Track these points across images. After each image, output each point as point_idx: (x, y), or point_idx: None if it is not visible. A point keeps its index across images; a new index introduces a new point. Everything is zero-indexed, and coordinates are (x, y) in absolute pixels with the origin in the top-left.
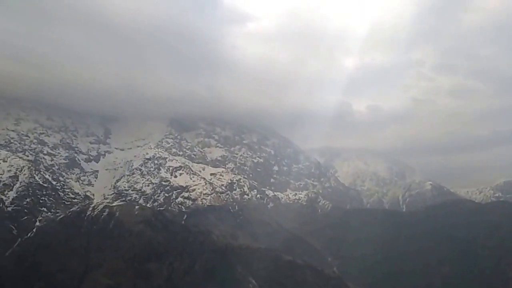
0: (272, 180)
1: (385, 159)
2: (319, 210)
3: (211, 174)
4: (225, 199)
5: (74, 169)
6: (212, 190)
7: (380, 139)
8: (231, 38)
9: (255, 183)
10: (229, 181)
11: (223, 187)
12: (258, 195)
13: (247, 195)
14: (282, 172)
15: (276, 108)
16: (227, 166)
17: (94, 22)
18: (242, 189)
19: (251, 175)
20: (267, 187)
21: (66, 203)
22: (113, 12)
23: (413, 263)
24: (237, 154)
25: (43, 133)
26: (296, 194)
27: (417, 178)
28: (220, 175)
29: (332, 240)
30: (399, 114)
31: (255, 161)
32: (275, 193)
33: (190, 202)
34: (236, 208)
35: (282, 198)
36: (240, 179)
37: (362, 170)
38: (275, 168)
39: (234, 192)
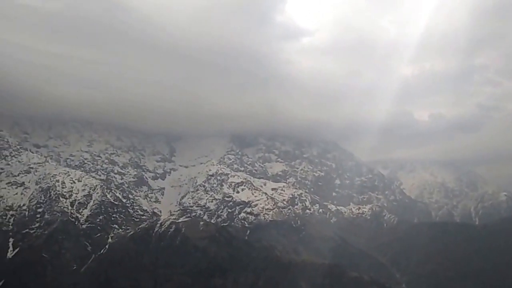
0: (334, 194)
1: (453, 170)
2: (385, 224)
3: (273, 189)
4: (287, 214)
5: (142, 187)
6: (274, 205)
7: (446, 149)
8: (286, 53)
9: (317, 197)
10: (291, 196)
11: (285, 202)
12: (320, 210)
13: (309, 209)
14: (345, 186)
15: (335, 120)
16: (288, 180)
17: (155, 47)
18: (303, 204)
19: (312, 189)
20: (329, 201)
21: (135, 220)
22: (171, 35)
23: (488, 280)
24: (297, 168)
25: (113, 153)
26: (359, 208)
27: (490, 188)
28: (282, 190)
29: (399, 256)
30: (464, 122)
31: (316, 175)
32: (337, 207)
33: (253, 217)
34: (298, 223)
35: (345, 212)
36: (301, 193)
37: (429, 182)
38: (337, 181)
39: (296, 206)
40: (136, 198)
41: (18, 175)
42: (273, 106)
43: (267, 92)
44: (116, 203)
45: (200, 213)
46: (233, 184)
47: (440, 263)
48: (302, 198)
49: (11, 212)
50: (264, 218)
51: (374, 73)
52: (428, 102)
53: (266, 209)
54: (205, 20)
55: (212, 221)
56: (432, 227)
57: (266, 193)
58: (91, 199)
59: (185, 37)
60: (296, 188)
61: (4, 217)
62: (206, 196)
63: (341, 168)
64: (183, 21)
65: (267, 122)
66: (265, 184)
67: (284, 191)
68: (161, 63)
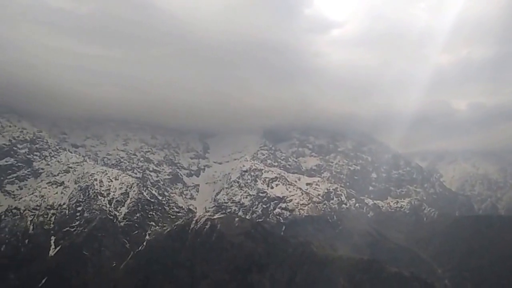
0: (370, 188)
1: (496, 160)
2: (425, 218)
3: (307, 184)
4: (323, 209)
5: (177, 184)
6: (309, 200)
7: (487, 139)
8: (315, 46)
9: (353, 191)
10: (326, 191)
11: (320, 197)
12: (357, 204)
13: (345, 204)
14: (381, 179)
15: (368, 112)
16: (322, 175)
17: (185, 45)
18: (339, 198)
19: (348, 184)
20: (366, 195)
21: (171, 217)
22: (201, 33)
23: None
24: (332, 162)
25: (148, 151)
26: (397, 201)
27: None
28: (316, 184)
29: (441, 250)
30: (505, 111)
31: (352, 168)
32: (374, 201)
33: (288, 213)
34: (335, 218)
35: (382, 206)
36: (337, 188)
37: (470, 174)
38: (373, 175)
39: (331, 201)
40: (172, 195)
41: (58, 174)
42: (304, 99)
43: (298, 86)
44: (152, 200)
45: (235, 209)
46: (267, 179)
47: (485, 258)
48: (337, 192)
49: (52, 211)
50: (299, 214)
51: (407, 62)
52: (466, 91)
53: (301, 204)
54: (234, 16)
55: (247, 217)
56: (475, 221)
57: (300, 188)
58: (128, 197)
59: (215, 34)
60: (331, 183)
61: (45, 216)
62: (241, 192)
63: (377, 161)
64: (212, 19)
65: (299, 116)
66: (299, 179)
67: (319, 185)
68: (193, 61)
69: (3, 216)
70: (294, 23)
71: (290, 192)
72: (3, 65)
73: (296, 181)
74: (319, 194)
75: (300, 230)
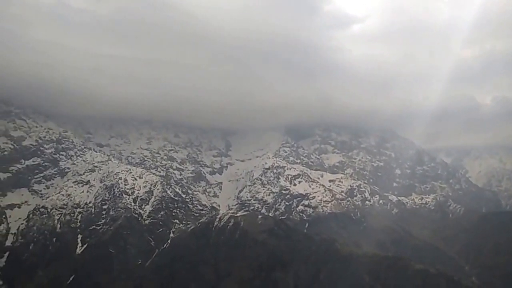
0: (394, 184)
1: None
2: (450, 215)
3: (330, 181)
4: (346, 205)
5: (201, 182)
6: (332, 197)
7: None
8: (336, 42)
9: (377, 188)
10: (349, 187)
11: (343, 194)
12: (381, 201)
13: (369, 201)
14: (405, 175)
15: (391, 108)
16: (345, 171)
17: (205, 43)
18: (363, 195)
19: (371, 180)
20: (390, 192)
21: (195, 214)
22: (221, 31)
23: None
24: (355, 159)
25: (171, 150)
26: (422, 198)
27: None
28: (339, 181)
29: (468, 247)
30: None
31: (375, 165)
32: (399, 197)
33: (311, 210)
34: (358, 214)
35: (407, 203)
36: (360, 184)
37: (497, 169)
38: (397, 171)
39: (355, 198)
40: (195, 193)
41: (84, 173)
42: (326, 96)
43: (319, 82)
44: (176, 198)
45: (258, 207)
46: (289, 176)
47: None
48: (361, 189)
49: (78, 210)
50: (323, 211)
51: (430, 56)
52: (490, 85)
53: (324, 201)
54: (253, 15)
55: (270, 214)
56: (502, 217)
57: (323, 185)
58: (152, 195)
59: (235, 33)
60: (355, 179)
61: (72, 215)
62: (263, 189)
63: (401, 157)
64: (232, 17)
65: (321, 113)
66: (322, 176)
67: (342, 182)
68: (214, 59)
69: (31, 215)
70: (314, 20)
71: (313, 189)
72: (29, 67)
73: (319, 178)
74: (342, 191)
75: (324, 227)
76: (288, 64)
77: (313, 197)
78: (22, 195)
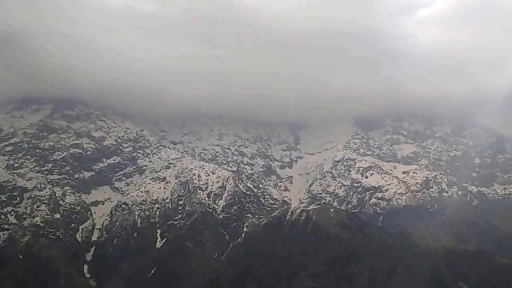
0: (474, 174)
1: None
2: None
3: (404, 172)
4: (422, 197)
5: (271, 176)
6: (406, 189)
7: None
8: (402, 28)
9: (454, 178)
10: (424, 179)
11: (418, 185)
12: (459, 192)
13: (446, 192)
14: (486, 165)
15: (466, 94)
16: (420, 162)
17: (269, 37)
18: (439, 186)
19: (448, 171)
20: (469, 183)
21: (267, 208)
22: (283, 24)
23: None
24: (430, 148)
25: (242, 145)
26: (505, 188)
27: None
28: (414, 172)
29: None
30: None
31: (452, 154)
32: (479, 188)
33: (385, 202)
34: (435, 207)
35: (488, 193)
36: (436, 175)
37: None
38: (477, 160)
39: (431, 190)
40: (266, 187)
41: (160, 170)
42: (394, 85)
43: (387, 71)
44: (248, 193)
45: (329, 200)
46: (361, 169)
47: None
48: (437, 180)
49: (156, 205)
50: (397, 203)
51: (504, 37)
52: None
53: (398, 194)
54: (316, 6)
55: (342, 207)
56: None
57: (397, 177)
58: (225, 190)
59: (299, 25)
60: (430, 170)
61: (151, 210)
62: (334, 182)
63: (479, 145)
64: (295, 10)
65: (391, 102)
66: (395, 168)
67: (416, 173)
68: (279, 53)
69: (113, 211)
70: (378, 7)
71: (386, 181)
72: (105, 70)
73: (391, 170)
74: (417, 183)
75: (399, 220)
76: (353, 54)
77: (387, 190)
78: (105, 192)
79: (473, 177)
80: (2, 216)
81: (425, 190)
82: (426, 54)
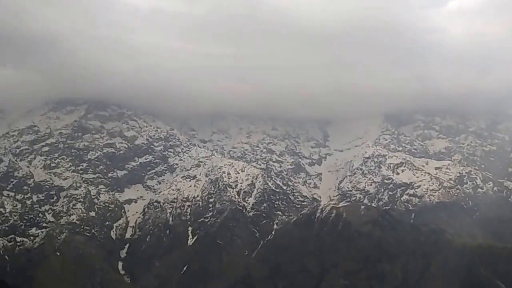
0: (510, 169)
1: None
2: None
3: (436, 168)
4: (455, 194)
5: (300, 173)
6: (439, 185)
7: None
8: (431, 21)
9: (489, 174)
10: (458, 174)
11: (452, 181)
12: (495, 188)
13: (481, 188)
14: None
15: (500, 87)
16: (453, 158)
17: (295, 34)
18: (474, 182)
19: (483, 166)
20: (505, 178)
21: (296, 206)
22: (309, 19)
23: None
24: (463, 144)
25: (270, 143)
26: None
27: None
28: (447, 168)
29: None
30: None
31: (486, 149)
32: None
33: (417, 199)
34: (470, 203)
35: None
36: (470, 171)
37: None
38: None
39: (464, 186)
40: (296, 184)
41: (190, 169)
42: (425, 78)
43: (416, 65)
44: (277, 190)
45: (359, 197)
46: (391, 165)
47: None
48: (471, 176)
49: (187, 203)
50: (430, 200)
51: None
52: None
53: (430, 190)
54: (344, 1)
55: (373, 205)
56: None
57: (429, 173)
58: (254, 187)
59: (326, 20)
60: (464, 166)
61: (182, 208)
62: (365, 179)
63: None
64: (321, 5)
65: (422, 97)
66: (427, 163)
67: (449, 169)
68: (306, 49)
69: (146, 209)
70: (406, 1)
71: (417, 177)
72: (135, 71)
73: (423, 166)
74: (450, 179)
75: (431, 218)
76: (382, 48)
77: (419, 186)
78: (138, 190)
79: (509, 172)
80: (40, 215)
81: (458, 186)
82: (457, 47)
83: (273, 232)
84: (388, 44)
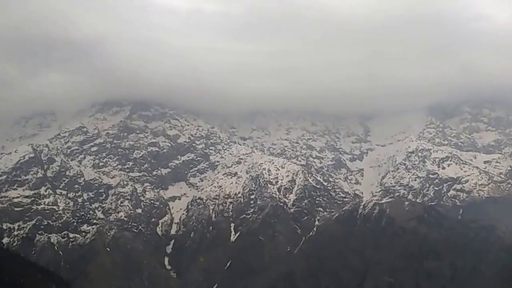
0: None
1: None
2: None
3: (485, 162)
4: (507, 189)
5: (341, 169)
6: (488, 179)
7: None
8: (476, 9)
9: None
10: (509, 168)
11: (502, 176)
12: None
13: None
14: None
15: None
16: (503, 151)
17: (335, 29)
18: None
19: None
20: None
21: (338, 202)
22: (350, 14)
23: None
24: None
25: (310, 139)
26: None
27: None
28: (496, 162)
29: None
30: None
31: None
32: None
33: (465, 194)
34: None
35: None
36: None
37: None
38: None
39: None
40: (337, 180)
41: (231, 166)
42: (470, 69)
43: (461, 55)
44: (318, 186)
45: (403, 193)
46: (437, 159)
47: None
48: None
49: (229, 200)
50: (479, 195)
51: None
52: None
53: (479, 185)
54: None
55: (417, 200)
56: None
57: (477, 167)
58: (295, 184)
59: (364, 13)
60: None
61: (224, 205)
62: (408, 174)
63: None
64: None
65: (468, 88)
66: (475, 157)
67: (499, 163)
68: (345, 43)
69: (189, 206)
70: None
71: (465, 172)
72: (176, 71)
73: (471, 160)
74: (500, 173)
75: (481, 214)
76: (423, 39)
77: (466, 181)
78: (181, 188)
79: None
80: (91, 212)
81: (510, 180)
82: (504, 35)
83: (314, 229)
84: (430, 34)
